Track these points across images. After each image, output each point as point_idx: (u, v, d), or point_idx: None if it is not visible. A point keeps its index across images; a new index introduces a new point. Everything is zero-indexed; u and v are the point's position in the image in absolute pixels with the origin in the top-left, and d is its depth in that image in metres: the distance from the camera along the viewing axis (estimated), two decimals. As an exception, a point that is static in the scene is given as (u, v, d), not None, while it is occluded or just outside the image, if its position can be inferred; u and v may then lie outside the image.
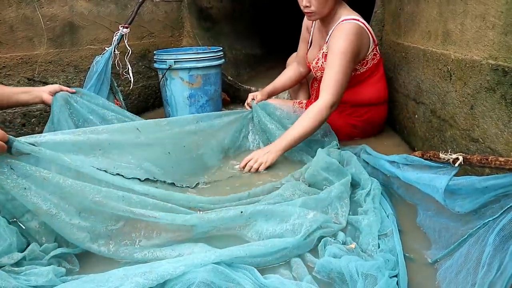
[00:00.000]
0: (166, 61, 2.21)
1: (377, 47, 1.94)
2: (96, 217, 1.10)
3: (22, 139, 1.10)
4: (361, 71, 1.91)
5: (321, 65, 1.93)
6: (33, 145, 1.09)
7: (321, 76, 1.95)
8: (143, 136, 1.46)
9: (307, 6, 1.78)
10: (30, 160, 1.09)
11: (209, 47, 2.55)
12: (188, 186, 1.48)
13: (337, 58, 1.73)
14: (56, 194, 1.06)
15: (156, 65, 2.31)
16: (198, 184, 1.51)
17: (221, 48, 2.40)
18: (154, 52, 2.34)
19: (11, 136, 1.05)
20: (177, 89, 2.26)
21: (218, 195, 1.39)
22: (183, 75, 2.22)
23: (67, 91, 1.62)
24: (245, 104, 2.06)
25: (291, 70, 2.23)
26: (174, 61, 2.19)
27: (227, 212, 1.16)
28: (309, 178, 1.49)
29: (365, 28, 1.83)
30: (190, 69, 2.21)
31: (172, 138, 1.59)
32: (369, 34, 1.86)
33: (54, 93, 1.58)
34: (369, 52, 1.89)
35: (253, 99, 2.04)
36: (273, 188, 1.41)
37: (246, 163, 1.64)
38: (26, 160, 1.07)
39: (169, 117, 2.36)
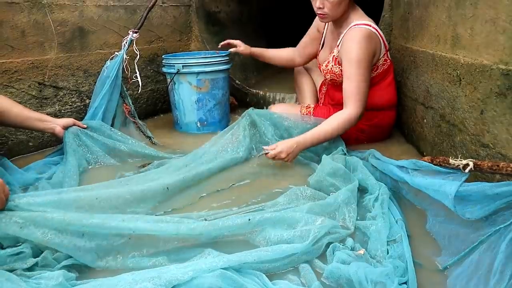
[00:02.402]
0: (174, 65, 2.21)
1: (388, 53, 1.93)
2: (100, 236, 1.09)
3: (17, 198, 1.10)
4: (371, 76, 1.90)
5: (331, 68, 1.93)
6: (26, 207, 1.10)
7: (331, 79, 1.96)
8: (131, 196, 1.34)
9: (320, 8, 1.79)
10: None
11: (217, 51, 2.56)
12: (191, 204, 1.45)
13: (354, 68, 1.74)
14: (56, 228, 1.05)
15: (164, 69, 2.32)
16: (201, 197, 1.49)
17: (229, 52, 2.40)
18: (163, 56, 2.35)
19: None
20: (185, 93, 2.26)
21: (221, 205, 1.40)
22: (191, 79, 2.23)
23: (79, 125, 1.78)
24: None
25: (286, 52, 2.32)
26: (183, 66, 2.20)
27: (234, 220, 1.15)
28: (315, 184, 1.49)
29: (377, 33, 1.83)
30: (198, 73, 2.21)
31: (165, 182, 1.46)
32: (381, 40, 1.86)
33: (66, 127, 1.74)
34: (380, 57, 1.89)
35: (233, 45, 2.31)
36: (276, 196, 1.41)
37: (271, 152, 1.65)
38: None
39: (177, 121, 2.35)
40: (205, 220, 1.21)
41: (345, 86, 1.76)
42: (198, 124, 2.29)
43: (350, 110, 1.72)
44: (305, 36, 2.21)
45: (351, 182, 1.43)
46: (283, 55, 2.33)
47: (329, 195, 1.38)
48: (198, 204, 1.44)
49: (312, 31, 2.16)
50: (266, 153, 1.66)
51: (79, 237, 1.06)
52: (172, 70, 2.23)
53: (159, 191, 1.39)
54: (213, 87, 2.27)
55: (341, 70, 1.87)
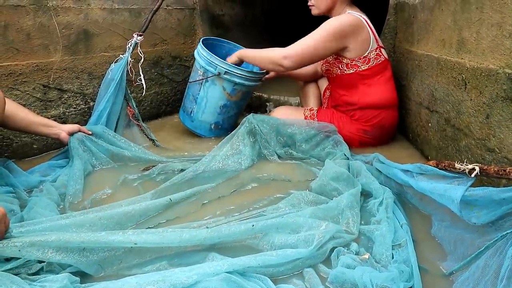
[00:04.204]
0: (216, 66, 2.07)
1: (382, 50, 1.95)
2: (102, 248, 1.07)
3: (15, 229, 1.08)
4: (363, 68, 1.92)
5: (326, 59, 2.05)
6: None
7: (326, 70, 2.07)
8: (133, 209, 1.32)
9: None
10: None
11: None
12: (193, 212, 1.43)
13: (317, 31, 1.86)
14: (55, 246, 1.03)
15: (200, 59, 2.13)
16: (203, 204, 1.47)
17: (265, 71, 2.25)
18: (202, 40, 2.20)
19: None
20: (214, 95, 2.16)
21: (223, 212, 1.39)
22: (227, 86, 2.13)
23: (84, 131, 1.79)
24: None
25: (309, 66, 2.30)
26: (225, 71, 2.06)
27: (238, 226, 1.14)
28: (317, 188, 1.48)
29: (366, 24, 1.89)
30: (236, 83, 2.12)
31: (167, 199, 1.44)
32: (370, 32, 1.90)
33: (72, 133, 1.76)
34: (370, 50, 1.91)
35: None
36: (277, 201, 1.40)
37: None
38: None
39: (190, 113, 2.23)
40: (207, 228, 1.19)
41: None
42: (212, 126, 2.24)
43: (286, 49, 1.88)
44: None
45: (354, 186, 1.42)
46: (308, 70, 2.31)
47: (332, 199, 1.38)
48: (199, 211, 1.42)
49: None
50: None
51: (80, 252, 1.04)
52: (211, 69, 2.08)
53: (162, 203, 1.38)
54: (242, 98, 2.22)
55: (334, 58, 1.97)
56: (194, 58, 2.19)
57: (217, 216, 1.36)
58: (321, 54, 1.88)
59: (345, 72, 1.94)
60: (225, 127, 2.26)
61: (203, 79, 2.14)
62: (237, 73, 2.08)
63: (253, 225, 1.13)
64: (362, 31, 1.87)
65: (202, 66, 2.13)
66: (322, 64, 2.07)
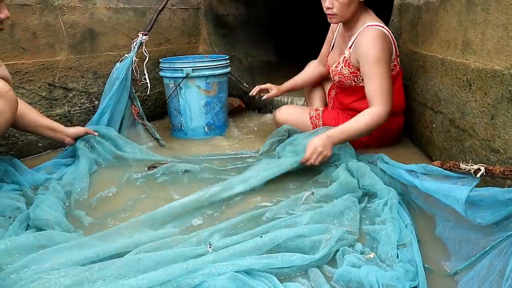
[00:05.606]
0: (182, 70, 2.14)
1: (398, 58, 1.93)
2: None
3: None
4: None
5: (340, 70, 1.93)
6: None
7: (339, 81, 1.97)
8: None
9: (329, 8, 1.80)
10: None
11: (207, 55, 2.57)
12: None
13: (374, 67, 1.73)
14: None
15: (166, 74, 2.22)
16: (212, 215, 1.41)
17: (227, 56, 2.38)
18: (161, 60, 2.27)
19: None
20: (193, 97, 2.21)
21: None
22: (200, 83, 2.19)
23: (90, 133, 1.81)
24: (255, 92, 2.22)
25: (311, 68, 2.29)
26: (192, 69, 2.15)
27: (245, 244, 1.09)
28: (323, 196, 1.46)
29: (390, 36, 1.84)
30: (207, 76, 2.18)
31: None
32: (393, 43, 1.87)
33: (77, 137, 1.78)
34: (391, 61, 1.88)
35: (265, 90, 2.23)
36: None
37: (308, 160, 1.62)
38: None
39: (181, 127, 2.27)
40: (209, 244, 1.10)
41: (367, 87, 1.75)
42: (206, 129, 2.28)
43: (377, 107, 1.68)
44: (324, 44, 2.20)
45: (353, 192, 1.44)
46: (311, 74, 2.27)
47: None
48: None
49: (329, 36, 2.17)
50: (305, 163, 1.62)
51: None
52: (180, 75, 2.16)
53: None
54: (219, 90, 2.26)
55: (350, 72, 1.88)
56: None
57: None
58: (391, 81, 1.77)
59: (360, 84, 1.89)
60: (217, 125, 2.30)
61: (176, 88, 2.19)
62: (204, 66, 2.16)
63: (260, 237, 1.12)
64: (389, 45, 1.83)
65: (170, 78, 2.21)
66: (335, 75, 1.96)
